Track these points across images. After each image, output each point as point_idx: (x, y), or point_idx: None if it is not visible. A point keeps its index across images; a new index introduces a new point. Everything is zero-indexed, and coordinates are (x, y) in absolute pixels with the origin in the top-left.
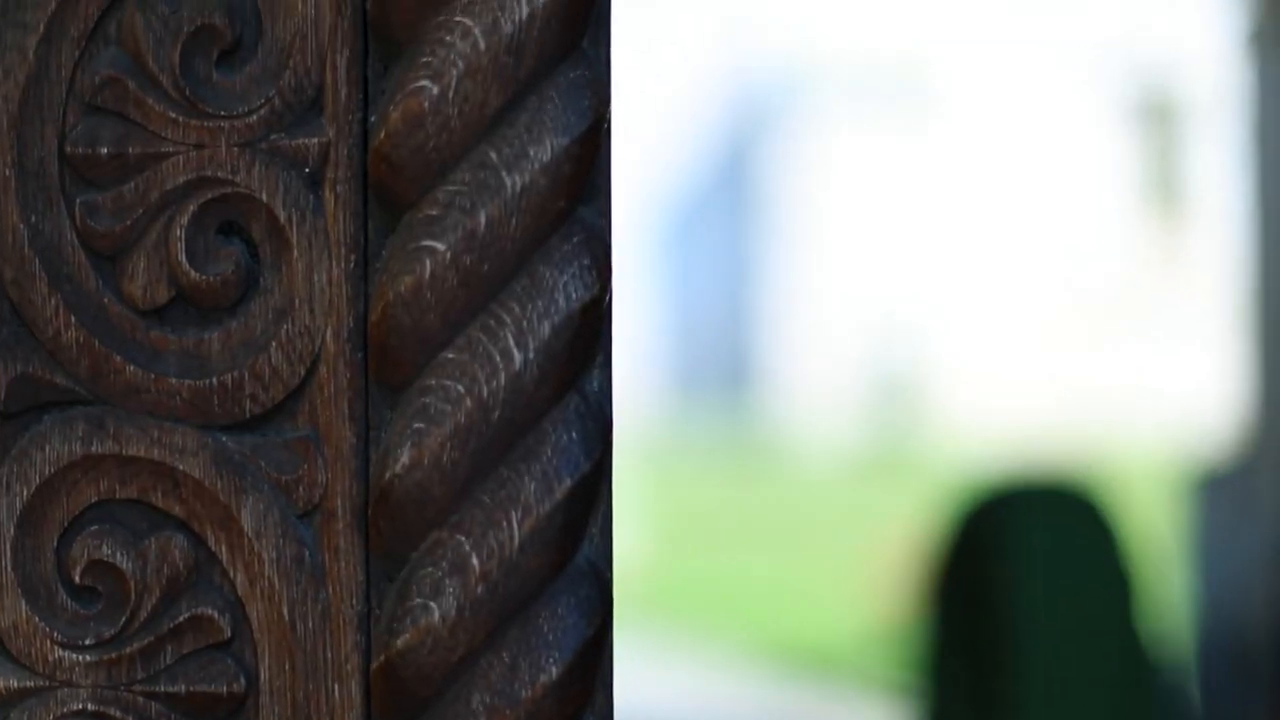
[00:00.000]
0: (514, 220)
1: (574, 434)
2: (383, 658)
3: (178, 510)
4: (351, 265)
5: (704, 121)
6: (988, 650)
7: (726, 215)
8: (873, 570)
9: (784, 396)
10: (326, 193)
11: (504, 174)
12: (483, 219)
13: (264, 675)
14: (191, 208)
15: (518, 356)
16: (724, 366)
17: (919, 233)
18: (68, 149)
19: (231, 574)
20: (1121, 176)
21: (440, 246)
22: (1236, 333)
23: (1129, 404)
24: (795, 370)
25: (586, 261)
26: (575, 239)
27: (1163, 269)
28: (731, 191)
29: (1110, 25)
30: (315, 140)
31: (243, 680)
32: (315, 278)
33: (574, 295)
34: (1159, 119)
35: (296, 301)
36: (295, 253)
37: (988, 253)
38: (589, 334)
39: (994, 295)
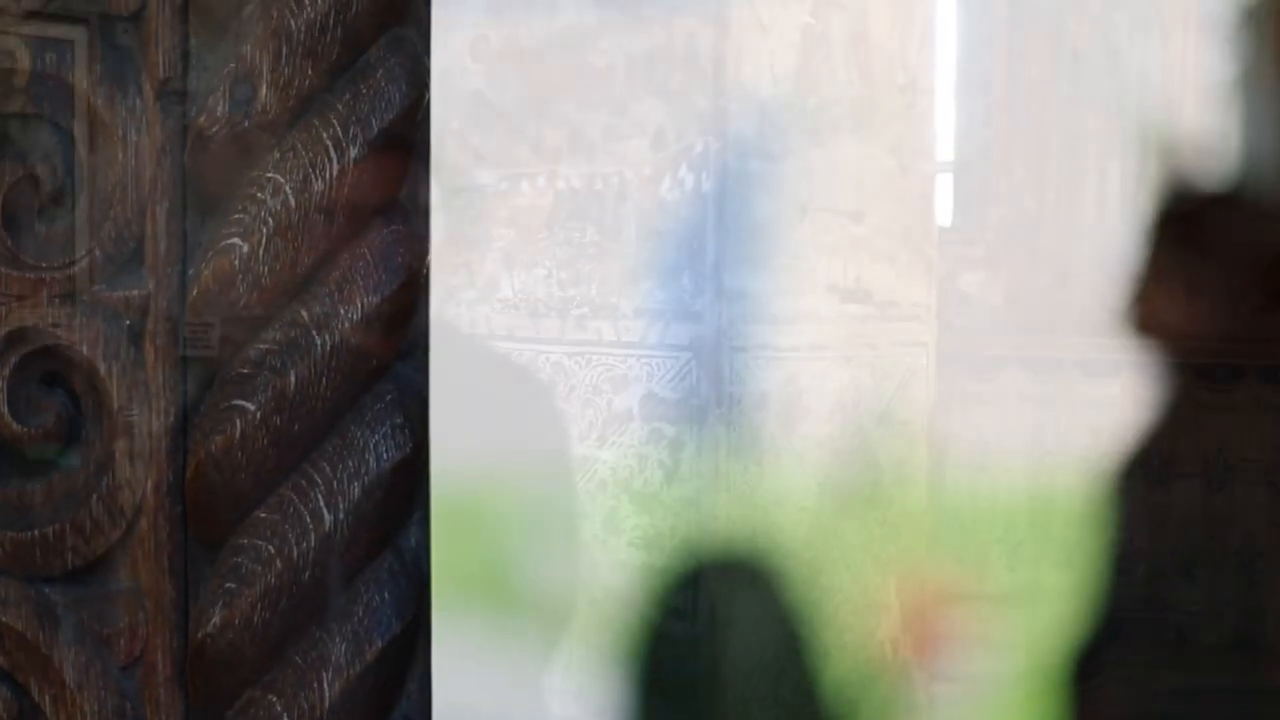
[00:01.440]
0: (324, 380)
1: (387, 594)
2: None
3: (1, 661)
4: (172, 419)
5: (692, 148)
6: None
7: (714, 242)
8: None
9: (772, 423)
10: (147, 345)
11: (314, 333)
12: (293, 379)
13: None
14: (13, 359)
15: (328, 517)
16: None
17: (909, 259)
18: None
19: None
20: (1115, 208)
21: (250, 406)
22: None
23: (1114, 428)
24: (784, 397)
25: (399, 420)
26: (388, 397)
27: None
28: (720, 218)
29: (1104, 63)
30: (135, 292)
31: None
32: (136, 431)
33: (385, 455)
34: (1151, 155)
35: (117, 454)
36: (116, 405)
37: (979, 280)
38: (403, 492)
39: (985, 322)
